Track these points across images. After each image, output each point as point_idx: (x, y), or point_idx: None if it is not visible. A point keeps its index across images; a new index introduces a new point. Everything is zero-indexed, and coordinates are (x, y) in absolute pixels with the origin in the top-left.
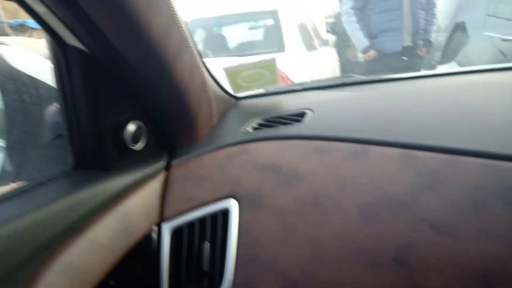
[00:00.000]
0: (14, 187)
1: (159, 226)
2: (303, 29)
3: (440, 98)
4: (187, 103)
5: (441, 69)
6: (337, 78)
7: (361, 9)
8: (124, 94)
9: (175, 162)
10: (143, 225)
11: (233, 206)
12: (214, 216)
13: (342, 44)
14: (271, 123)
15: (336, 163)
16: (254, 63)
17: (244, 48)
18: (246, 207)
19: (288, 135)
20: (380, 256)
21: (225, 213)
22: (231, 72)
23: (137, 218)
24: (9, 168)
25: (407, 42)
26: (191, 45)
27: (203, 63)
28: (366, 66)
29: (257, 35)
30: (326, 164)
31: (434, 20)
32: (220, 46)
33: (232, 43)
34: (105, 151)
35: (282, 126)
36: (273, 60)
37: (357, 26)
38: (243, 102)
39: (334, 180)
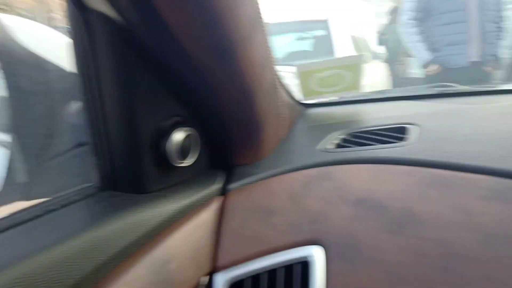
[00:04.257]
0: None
1: (210, 277)
2: (354, 41)
3: None
4: (255, 105)
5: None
6: (430, 87)
7: (422, 20)
8: (170, 88)
9: (233, 185)
10: (188, 277)
11: (316, 256)
12: (289, 268)
13: (393, 58)
14: (361, 140)
15: (472, 205)
16: (336, 60)
17: (293, 58)
18: (336, 259)
19: (390, 158)
20: None
21: (305, 265)
22: (304, 72)
23: (179, 267)
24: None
25: (474, 57)
26: (264, 25)
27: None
28: (424, 82)
29: (307, 45)
30: (455, 205)
31: (504, 34)
32: None
33: (280, 53)
34: (141, 168)
35: (377, 144)
36: (360, 57)
37: (417, 38)
38: (313, 111)
39: (475, 231)
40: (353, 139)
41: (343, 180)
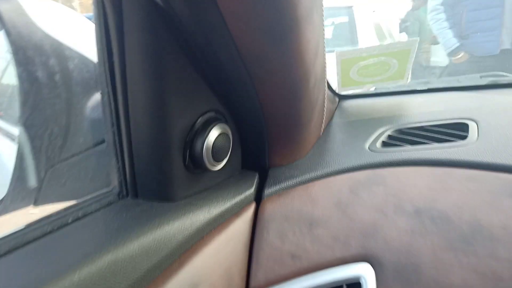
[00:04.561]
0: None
1: None
2: (377, 28)
3: None
4: (302, 99)
5: None
6: (482, 77)
7: (452, 5)
8: (207, 79)
9: (269, 190)
10: None
11: (367, 276)
12: None
13: None
14: (412, 138)
15: None
16: (384, 46)
17: None
18: (390, 281)
19: (451, 159)
20: None
21: (354, 287)
22: (345, 60)
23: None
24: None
25: (507, 44)
26: (322, 2)
27: None
28: (448, 71)
29: (329, 31)
30: None
31: None
32: None
33: None
34: (169, 172)
35: (433, 143)
36: (413, 43)
37: (445, 24)
38: (350, 103)
39: None
40: (403, 137)
41: (398, 185)
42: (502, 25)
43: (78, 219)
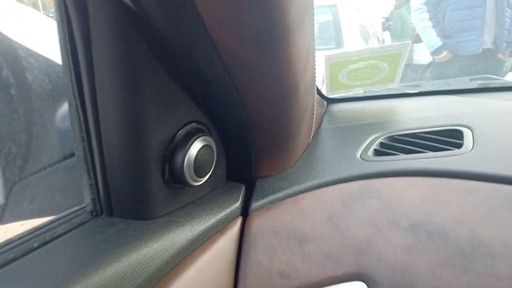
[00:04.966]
0: None
1: None
2: (361, 26)
3: None
4: (292, 107)
5: None
6: (472, 80)
7: (435, 5)
8: (188, 88)
9: (256, 204)
10: None
11: None
12: None
13: None
14: (405, 145)
15: None
16: (376, 49)
17: None
18: None
19: (448, 170)
20: None
21: None
22: (334, 63)
23: None
24: None
25: (488, 44)
26: (313, 4)
27: None
28: (435, 70)
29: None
30: None
31: None
32: None
33: None
34: (147, 188)
35: (427, 152)
36: (406, 45)
37: (429, 23)
38: (339, 107)
39: None
40: (396, 144)
41: (392, 198)
42: (484, 25)
43: (45, 243)
